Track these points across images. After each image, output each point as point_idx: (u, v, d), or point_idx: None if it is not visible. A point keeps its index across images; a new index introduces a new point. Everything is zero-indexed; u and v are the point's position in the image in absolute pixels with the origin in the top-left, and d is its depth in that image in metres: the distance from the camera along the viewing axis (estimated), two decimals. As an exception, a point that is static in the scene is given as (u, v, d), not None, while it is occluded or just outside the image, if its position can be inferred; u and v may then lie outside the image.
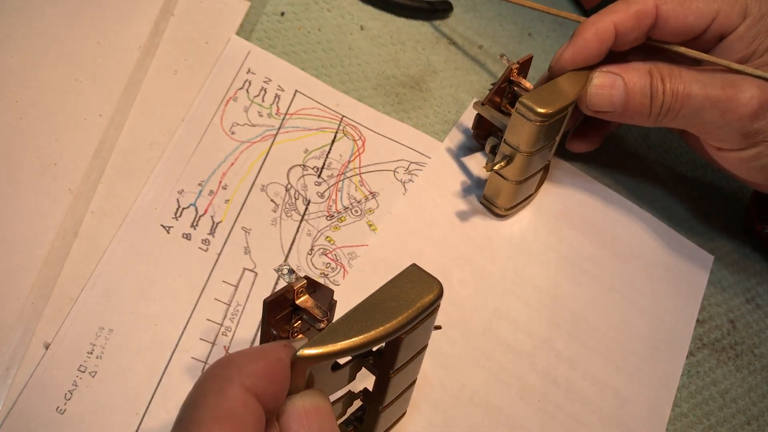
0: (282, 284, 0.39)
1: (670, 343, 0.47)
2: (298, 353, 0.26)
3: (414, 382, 0.34)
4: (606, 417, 0.43)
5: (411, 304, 0.28)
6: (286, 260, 0.42)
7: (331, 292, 0.34)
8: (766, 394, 0.48)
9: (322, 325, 0.31)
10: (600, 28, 0.44)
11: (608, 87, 0.44)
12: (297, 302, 0.31)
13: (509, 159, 0.44)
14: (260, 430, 0.25)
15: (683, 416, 0.45)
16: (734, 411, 0.46)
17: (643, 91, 0.43)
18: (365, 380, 0.33)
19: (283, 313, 0.32)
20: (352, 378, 0.32)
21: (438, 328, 0.31)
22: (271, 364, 0.26)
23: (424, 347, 0.32)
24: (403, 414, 0.36)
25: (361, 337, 0.27)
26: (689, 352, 0.47)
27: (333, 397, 0.32)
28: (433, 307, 0.29)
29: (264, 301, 0.31)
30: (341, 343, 0.27)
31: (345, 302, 0.41)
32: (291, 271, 0.31)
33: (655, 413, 0.44)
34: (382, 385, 0.32)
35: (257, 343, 0.38)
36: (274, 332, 0.32)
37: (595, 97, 0.44)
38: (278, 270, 0.31)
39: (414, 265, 0.30)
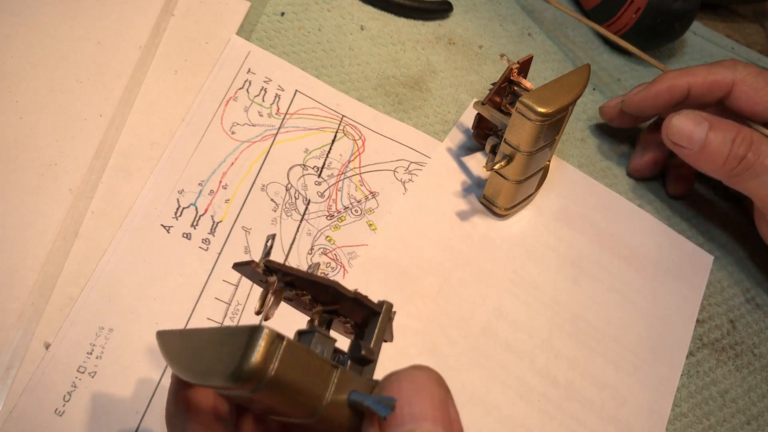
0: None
1: (670, 343, 0.47)
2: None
3: None
4: (606, 417, 0.43)
5: None
6: (286, 260, 0.42)
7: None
8: (765, 393, 0.48)
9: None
10: (675, 85, 0.47)
11: (692, 124, 0.45)
12: None
13: (509, 159, 0.44)
14: None
15: (683, 416, 0.45)
16: (734, 411, 0.46)
17: (724, 141, 0.45)
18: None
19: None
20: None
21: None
22: None
23: None
24: None
25: None
26: (689, 352, 0.47)
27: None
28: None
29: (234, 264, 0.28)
30: None
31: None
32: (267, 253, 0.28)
33: (655, 413, 0.44)
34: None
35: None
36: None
37: (676, 128, 0.46)
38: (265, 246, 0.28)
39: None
